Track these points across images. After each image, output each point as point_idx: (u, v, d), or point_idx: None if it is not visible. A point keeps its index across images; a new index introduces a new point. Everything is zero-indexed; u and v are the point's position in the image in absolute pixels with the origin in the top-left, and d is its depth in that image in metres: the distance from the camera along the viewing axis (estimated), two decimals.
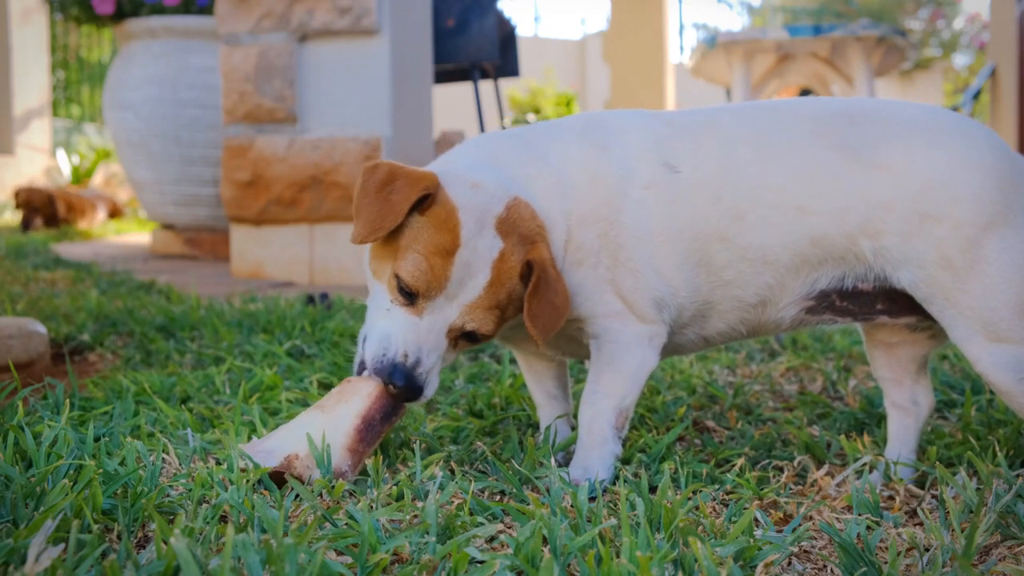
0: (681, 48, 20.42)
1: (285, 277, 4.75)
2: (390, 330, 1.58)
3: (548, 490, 1.54)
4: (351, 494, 1.53)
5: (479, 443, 1.87)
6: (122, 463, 1.59)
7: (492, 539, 1.38)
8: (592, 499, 1.58)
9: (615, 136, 1.70)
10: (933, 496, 1.62)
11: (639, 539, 1.26)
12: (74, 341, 2.92)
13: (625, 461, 1.76)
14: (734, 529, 1.32)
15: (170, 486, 1.52)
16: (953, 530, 1.41)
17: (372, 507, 1.44)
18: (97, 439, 1.77)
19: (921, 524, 1.51)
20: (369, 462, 1.58)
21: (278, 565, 1.08)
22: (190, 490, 1.49)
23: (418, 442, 1.81)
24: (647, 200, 1.65)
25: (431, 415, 2.12)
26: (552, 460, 1.66)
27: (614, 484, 1.64)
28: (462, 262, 1.56)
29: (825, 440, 1.94)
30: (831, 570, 1.31)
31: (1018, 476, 1.63)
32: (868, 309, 1.69)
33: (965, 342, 1.59)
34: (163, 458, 1.67)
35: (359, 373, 1.63)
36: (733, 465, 1.75)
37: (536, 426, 2.04)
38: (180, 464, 1.66)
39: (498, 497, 1.58)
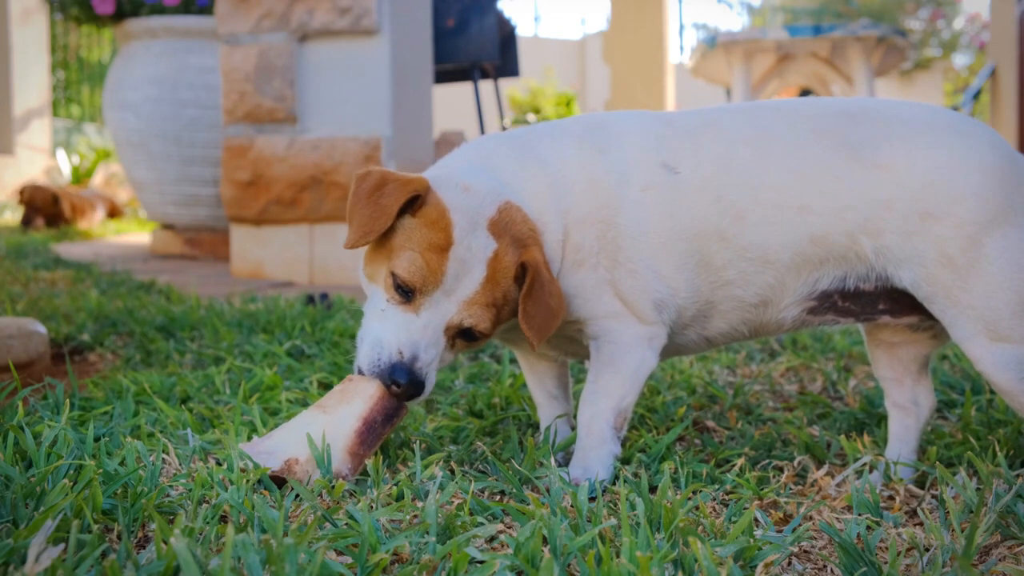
0: (681, 48, 20.43)
1: (285, 277, 4.75)
2: (382, 333, 1.59)
3: (548, 490, 1.54)
4: (351, 494, 1.53)
5: (479, 443, 1.87)
6: (122, 463, 1.59)
7: (492, 539, 1.38)
8: (592, 499, 1.58)
9: (614, 138, 1.71)
10: (933, 496, 1.62)
11: (639, 539, 1.26)
12: (74, 341, 2.92)
13: (625, 461, 1.76)
14: (734, 529, 1.32)
15: (170, 486, 1.52)
16: (953, 530, 1.41)
17: (372, 507, 1.44)
18: (97, 439, 1.77)
19: (921, 524, 1.51)
20: (369, 462, 1.58)
21: (278, 565, 1.08)
22: (190, 490, 1.49)
23: (418, 442, 1.81)
24: (645, 202, 1.66)
25: (431, 415, 2.12)
26: (552, 460, 1.66)
27: (614, 484, 1.64)
28: (457, 258, 1.56)
29: (825, 440, 1.94)
30: (831, 570, 1.31)
31: (1018, 476, 1.63)
32: (870, 309, 1.69)
33: (966, 341, 1.59)
34: (163, 458, 1.67)
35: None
36: (733, 465, 1.75)
37: (536, 426, 2.04)
38: (180, 464, 1.66)
39: (498, 497, 1.58)
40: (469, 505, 1.45)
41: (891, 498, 1.64)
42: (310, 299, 3.53)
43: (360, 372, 1.61)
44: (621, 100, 13.78)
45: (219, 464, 1.64)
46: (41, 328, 2.51)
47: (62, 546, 1.15)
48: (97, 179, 12.26)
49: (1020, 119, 8.03)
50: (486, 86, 9.29)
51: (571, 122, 1.79)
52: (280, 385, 2.23)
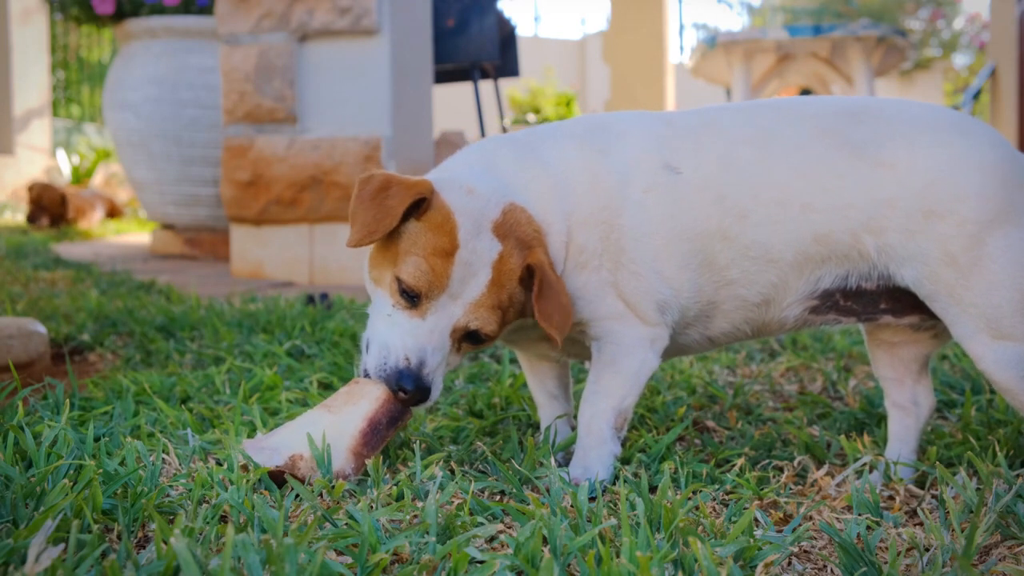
0: (681, 48, 20.43)
1: (285, 277, 4.75)
2: (389, 338, 1.59)
3: (548, 490, 1.54)
4: (351, 494, 1.53)
5: (479, 443, 1.87)
6: (122, 463, 1.59)
7: (492, 539, 1.38)
8: (592, 499, 1.58)
9: (616, 139, 1.71)
10: (933, 496, 1.62)
11: (639, 539, 1.26)
12: (74, 341, 2.92)
13: (625, 461, 1.76)
14: (734, 529, 1.32)
15: (170, 486, 1.52)
16: (953, 530, 1.41)
17: (372, 507, 1.44)
18: (97, 439, 1.77)
19: (921, 524, 1.51)
20: (369, 462, 1.58)
21: (278, 565, 1.08)
22: (190, 490, 1.49)
23: (418, 442, 1.81)
24: (647, 203, 1.66)
25: (431, 415, 2.12)
26: (552, 460, 1.66)
27: (614, 484, 1.64)
28: (462, 262, 1.56)
29: (825, 440, 1.94)
30: (831, 570, 1.31)
31: (1018, 476, 1.63)
32: (872, 308, 1.69)
33: (968, 340, 1.59)
34: (163, 458, 1.67)
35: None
36: (733, 465, 1.75)
37: (536, 426, 2.04)
38: (180, 464, 1.66)
39: (498, 497, 1.58)
40: (469, 505, 1.45)
41: (891, 498, 1.64)
42: (310, 299, 3.53)
43: (366, 375, 1.62)
44: (621, 100, 13.78)
45: (219, 464, 1.64)
46: (41, 328, 2.51)
47: (62, 546, 1.15)
48: (97, 179, 12.25)
49: (1020, 119, 8.03)
50: (486, 86, 9.29)
51: (572, 123, 1.79)
52: (280, 385, 2.23)
